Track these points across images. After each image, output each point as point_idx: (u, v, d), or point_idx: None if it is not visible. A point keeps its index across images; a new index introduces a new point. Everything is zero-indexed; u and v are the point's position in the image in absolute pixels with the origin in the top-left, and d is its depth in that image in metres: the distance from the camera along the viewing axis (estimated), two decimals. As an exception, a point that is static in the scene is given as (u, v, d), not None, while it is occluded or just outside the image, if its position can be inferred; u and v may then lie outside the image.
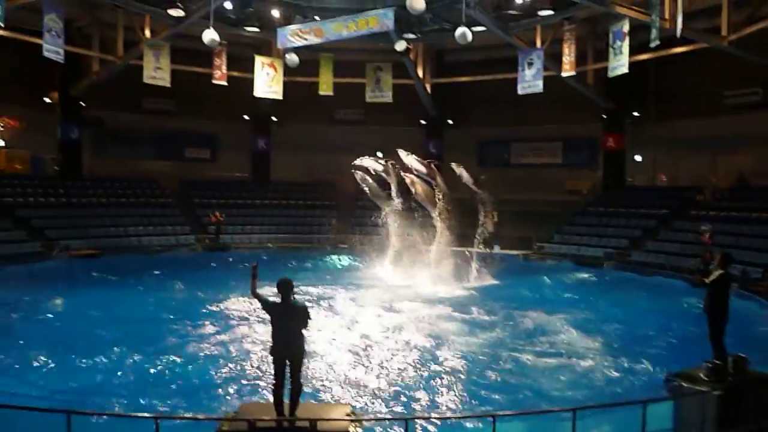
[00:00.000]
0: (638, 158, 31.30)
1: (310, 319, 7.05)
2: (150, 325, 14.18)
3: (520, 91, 25.10)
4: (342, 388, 10.29)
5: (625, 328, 14.73)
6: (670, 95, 29.81)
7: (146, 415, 7.04)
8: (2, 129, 28.73)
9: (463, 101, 33.90)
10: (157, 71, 25.40)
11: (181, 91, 31.03)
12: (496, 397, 9.97)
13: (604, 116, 29.59)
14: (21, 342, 12.58)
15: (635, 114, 30.38)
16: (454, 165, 22.85)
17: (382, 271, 22.66)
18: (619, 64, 21.92)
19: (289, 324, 6.87)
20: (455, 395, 10.07)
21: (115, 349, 12.06)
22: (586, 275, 22.99)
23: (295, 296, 7.15)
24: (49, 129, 28.41)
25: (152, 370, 11.02)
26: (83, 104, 28.89)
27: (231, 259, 25.65)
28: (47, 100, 29.05)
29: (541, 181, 32.49)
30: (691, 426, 7.57)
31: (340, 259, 27.14)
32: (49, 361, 11.29)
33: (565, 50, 24.45)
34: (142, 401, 9.40)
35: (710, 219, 23.71)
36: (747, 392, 7.82)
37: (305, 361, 7.08)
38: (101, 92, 29.28)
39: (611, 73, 22.65)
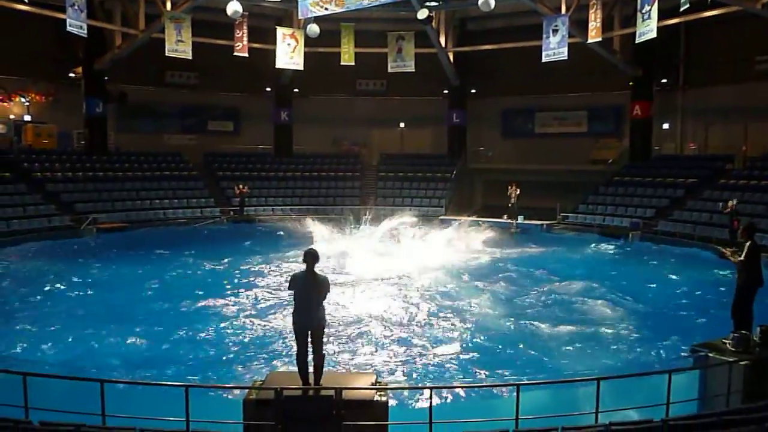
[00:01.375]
0: (666, 126, 30.68)
1: (329, 291, 7.14)
2: (178, 296, 14.42)
3: (544, 59, 24.58)
4: (368, 356, 10.43)
5: (650, 298, 14.65)
6: (700, 61, 29.09)
7: (176, 384, 7.21)
8: (29, 104, 29.13)
9: (486, 70, 33.45)
10: (178, 44, 25.37)
11: (204, 65, 31.10)
12: (518, 365, 10.03)
13: (631, 84, 28.96)
14: (54, 313, 12.94)
15: (663, 81, 29.72)
16: None
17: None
18: (648, 29, 21.32)
19: (310, 294, 6.95)
20: (477, 364, 10.14)
21: (145, 320, 12.34)
22: (610, 246, 22.77)
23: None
24: (75, 104, 28.71)
25: (181, 341, 11.26)
26: (107, 79, 29.09)
27: (260, 230, 25.96)
28: (72, 75, 29.30)
29: (565, 150, 32.05)
30: (716, 397, 7.52)
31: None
32: (81, 332, 11.58)
33: (591, 16, 23.83)
34: (168, 371, 9.63)
35: (740, 188, 23.26)
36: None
37: (326, 331, 7.15)
38: (124, 67, 29.45)
39: (639, 39, 22.06)
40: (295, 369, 7.18)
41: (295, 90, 33.98)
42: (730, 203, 20.33)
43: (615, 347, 11.07)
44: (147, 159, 31.01)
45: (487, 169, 33.77)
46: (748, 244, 8.29)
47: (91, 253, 20.59)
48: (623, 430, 5.43)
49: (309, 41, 26.40)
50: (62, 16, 21.77)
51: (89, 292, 14.92)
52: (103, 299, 14.15)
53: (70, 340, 11.19)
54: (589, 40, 24.14)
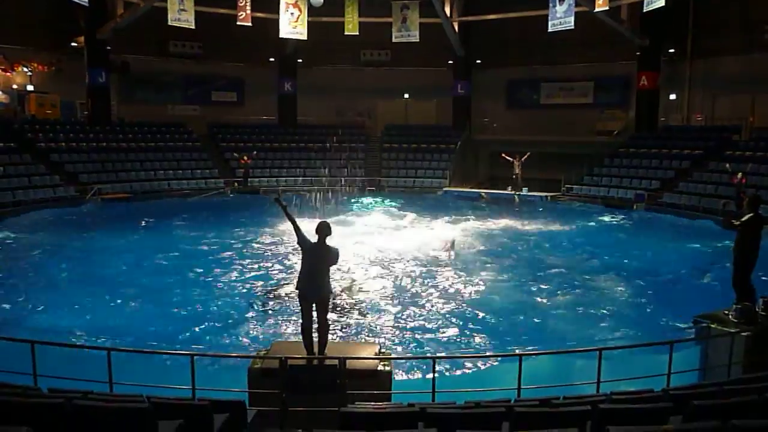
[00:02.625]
0: (673, 97, 30.38)
1: (337, 262, 7.20)
2: (184, 266, 14.53)
3: (550, 29, 24.25)
4: (371, 327, 10.51)
5: (652, 269, 14.66)
6: (709, 31, 28.64)
7: (182, 352, 7.29)
8: (32, 74, 28.97)
9: (491, 40, 33.07)
10: (181, 13, 25.08)
11: (207, 34, 30.80)
12: (523, 337, 10.10)
13: (638, 53, 28.60)
14: (57, 281, 13.07)
15: (671, 51, 29.33)
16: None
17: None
18: (656, -2, 20.99)
19: (318, 264, 7.01)
20: (479, 334, 10.21)
21: (152, 290, 12.46)
22: (613, 217, 22.76)
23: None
24: (78, 74, 28.51)
25: (184, 311, 11.36)
26: (109, 48, 28.85)
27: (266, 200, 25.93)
28: (74, 44, 29.07)
29: (571, 122, 31.81)
30: (718, 368, 7.58)
31: (374, 202, 27.19)
32: (87, 300, 11.70)
33: (599, -16, 23.45)
34: (179, 338, 9.74)
35: (747, 160, 23.11)
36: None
37: (331, 301, 7.22)
38: (127, 36, 29.21)
39: (647, 8, 21.71)
40: (300, 339, 7.24)
41: (299, 60, 33.69)
42: (739, 174, 20.16)
43: (617, 317, 11.12)
44: (150, 130, 30.91)
45: (492, 141, 33.59)
46: (750, 215, 8.22)
47: (95, 223, 20.69)
48: (624, 399, 5.48)
49: (312, 10, 26.05)
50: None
51: (91, 262, 15.01)
52: (106, 268, 14.26)
53: (77, 307, 11.31)
54: (596, 9, 23.73)
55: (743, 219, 8.24)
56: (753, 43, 26.72)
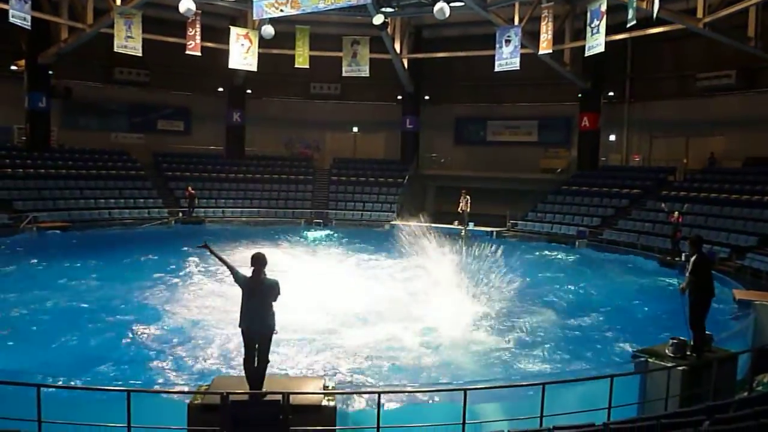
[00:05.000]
0: (612, 138, 31.60)
1: (280, 294, 6.94)
2: (118, 298, 14.08)
3: (497, 68, 24.99)
4: (317, 361, 10.35)
5: (593, 305, 14.96)
6: (645, 76, 30.12)
7: (118, 388, 6.99)
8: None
9: (440, 77, 33.82)
10: (128, 40, 24.71)
11: (154, 62, 30.44)
12: (466, 368, 10.12)
13: (580, 95, 29.75)
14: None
15: (611, 94, 30.63)
16: None
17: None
18: (596, 43, 21.93)
19: (258, 298, 6.82)
20: (426, 370, 10.18)
21: (92, 324, 12.00)
22: (556, 253, 23.26)
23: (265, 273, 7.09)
24: (16, 98, 27.59)
25: (121, 344, 10.96)
26: (51, 73, 28.11)
27: (207, 232, 25.45)
28: (14, 68, 28.20)
29: (516, 159, 32.58)
30: (655, 400, 7.75)
31: (316, 235, 27.00)
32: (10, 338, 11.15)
33: (543, 28, 24.37)
34: (112, 375, 9.36)
35: (681, 199, 24.10)
36: (710, 369, 8.01)
37: (275, 335, 7.03)
38: (70, 61, 28.56)
39: (588, 52, 22.67)
40: (242, 374, 7.05)
41: (248, 91, 33.59)
42: (676, 213, 20.96)
43: (559, 351, 11.29)
44: (92, 157, 30.06)
45: (440, 176, 34.07)
46: (693, 258, 8.28)
47: (27, 252, 19.84)
48: (566, 433, 5.54)
49: (263, 42, 26.14)
50: (5, 6, 20.94)
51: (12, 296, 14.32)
52: (34, 302, 13.62)
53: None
54: (541, 52, 24.66)
55: (690, 266, 8.22)
56: (686, 89, 28.21)
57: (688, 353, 8.25)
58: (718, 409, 6.10)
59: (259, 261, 6.84)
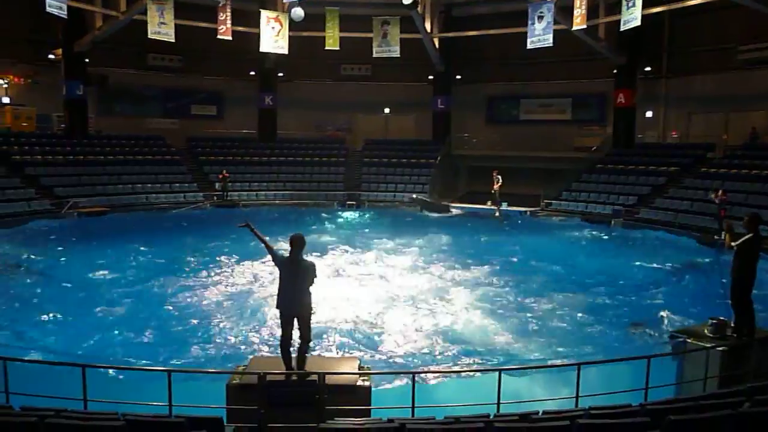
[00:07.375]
0: (649, 114, 30.90)
1: (316, 276, 7.01)
2: (162, 281, 14.37)
3: (529, 46, 24.56)
4: (352, 341, 10.47)
5: (630, 284, 14.78)
6: (684, 50, 29.27)
7: (159, 368, 7.18)
8: (8, 86, 28.61)
9: (471, 56, 33.42)
10: (161, 26, 24.98)
11: (187, 48, 30.73)
12: (499, 350, 10.12)
13: (615, 71, 29.08)
14: (28, 299, 12.84)
15: (647, 69, 29.86)
16: None
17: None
18: (632, 17, 21.38)
19: (296, 280, 6.89)
20: (459, 349, 10.22)
21: (130, 303, 12.31)
22: (592, 231, 22.96)
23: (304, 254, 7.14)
24: (54, 86, 28.23)
25: (163, 326, 11.22)
26: (87, 61, 28.63)
27: (245, 213, 25.75)
28: (51, 57, 28.80)
29: (550, 138, 32.16)
30: (694, 382, 7.65)
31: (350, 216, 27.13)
32: (60, 318, 11.50)
33: (577, 2, 23.78)
34: (157, 355, 9.61)
35: (721, 177, 23.52)
36: (752, 350, 7.86)
37: (313, 316, 7.11)
38: (105, 49, 29.06)
39: (624, 27, 22.13)
40: (279, 354, 7.16)
41: (280, 74, 33.70)
42: (720, 192, 20.45)
43: (595, 331, 11.21)
44: (128, 142, 30.64)
45: (471, 156, 33.83)
46: (750, 235, 8.00)
47: (70, 236, 20.39)
48: (602, 414, 5.50)
49: (293, 25, 26.13)
50: (41, -4, 21.35)
51: (64, 279, 14.77)
52: (76, 286, 14.04)
53: (49, 325, 11.11)
54: (574, 27, 24.12)
55: (740, 241, 8.01)
56: (726, 62, 27.30)
57: (728, 333, 8.10)
58: (759, 391, 5.99)
59: (296, 243, 6.90)
